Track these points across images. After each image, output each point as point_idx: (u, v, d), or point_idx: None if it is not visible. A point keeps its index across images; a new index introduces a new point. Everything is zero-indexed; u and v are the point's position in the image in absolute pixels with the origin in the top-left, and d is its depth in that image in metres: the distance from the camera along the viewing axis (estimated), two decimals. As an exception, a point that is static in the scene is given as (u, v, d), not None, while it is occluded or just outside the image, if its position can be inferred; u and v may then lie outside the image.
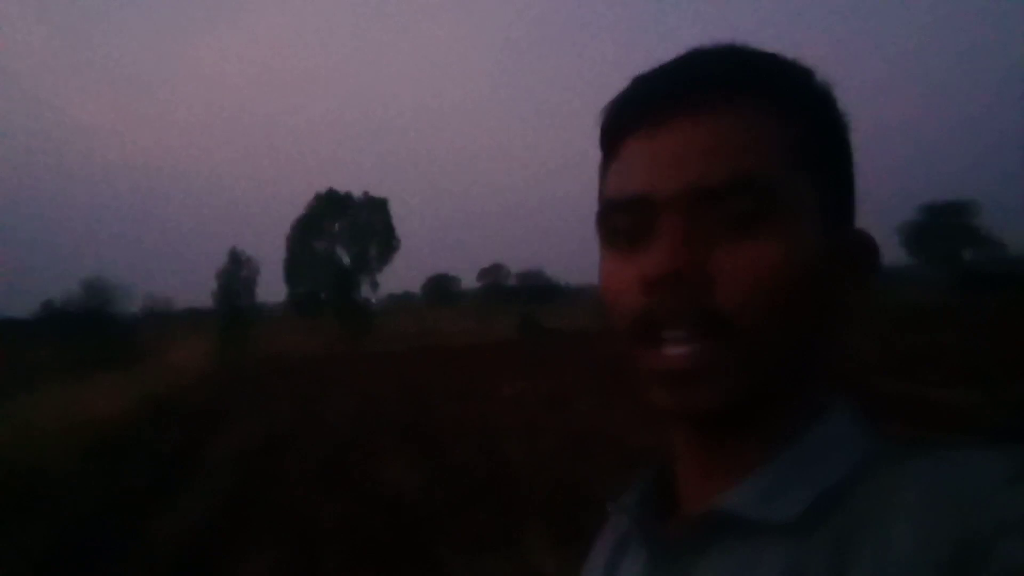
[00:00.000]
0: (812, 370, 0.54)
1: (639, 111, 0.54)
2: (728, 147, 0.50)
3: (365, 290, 47.85)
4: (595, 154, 0.61)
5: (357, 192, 48.23)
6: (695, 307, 0.49)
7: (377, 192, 49.30)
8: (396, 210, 46.10)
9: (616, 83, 0.58)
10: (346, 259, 47.67)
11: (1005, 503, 0.40)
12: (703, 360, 0.49)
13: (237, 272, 47.09)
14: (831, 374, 0.55)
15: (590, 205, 0.60)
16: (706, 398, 0.50)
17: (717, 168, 0.50)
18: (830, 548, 0.45)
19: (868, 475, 0.47)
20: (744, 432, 0.53)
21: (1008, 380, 8.73)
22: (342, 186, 48.86)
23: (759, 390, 0.50)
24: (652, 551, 0.56)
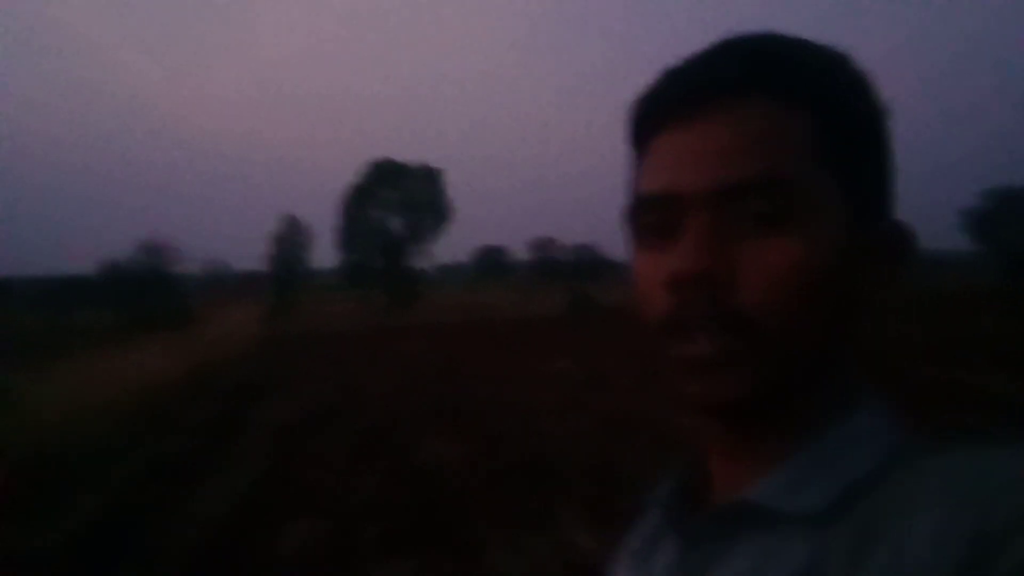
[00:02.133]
0: (838, 364, 0.54)
1: (665, 109, 0.55)
2: (752, 145, 0.51)
3: (417, 260, 48.21)
4: None
5: (413, 162, 48.40)
6: (720, 306, 0.50)
7: (433, 162, 49.15)
8: (451, 181, 46.13)
9: (678, 49, 0.58)
10: (399, 228, 47.97)
11: (1022, 499, 0.41)
12: (728, 354, 0.51)
13: (292, 237, 47.84)
14: (860, 366, 0.56)
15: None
16: (731, 388, 0.51)
17: (741, 166, 0.51)
18: (852, 540, 0.46)
19: (892, 469, 0.48)
20: (769, 425, 0.54)
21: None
22: (399, 155, 48.92)
23: (782, 383, 0.52)
24: (682, 540, 0.57)
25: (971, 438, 0.48)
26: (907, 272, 0.55)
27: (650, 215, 0.55)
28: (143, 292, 31.59)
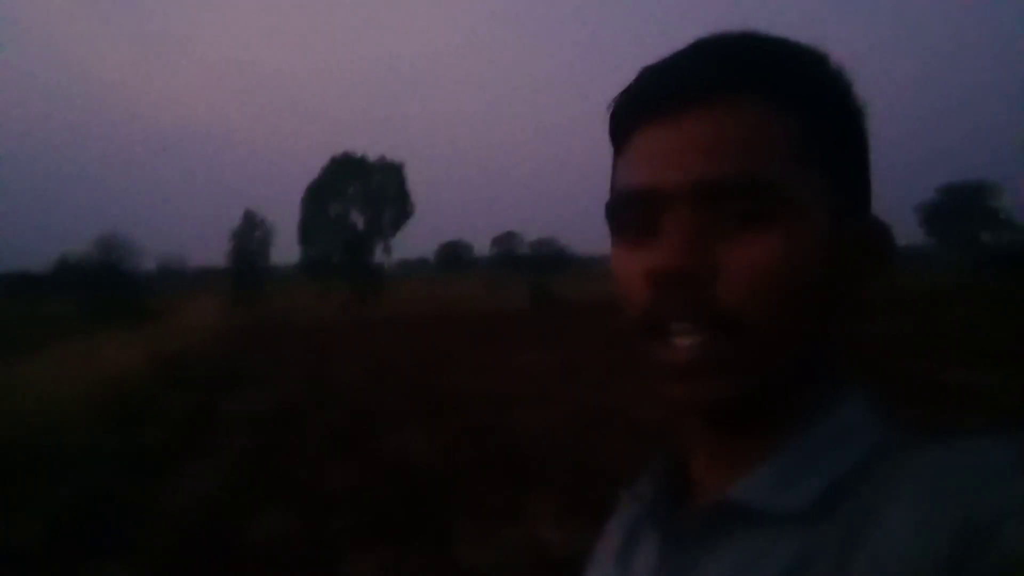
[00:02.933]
0: (823, 360, 0.54)
1: (646, 106, 0.54)
2: (734, 143, 0.50)
3: (378, 255, 47.94)
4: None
5: (373, 156, 48.10)
6: (700, 303, 0.50)
7: (394, 156, 48.89)
8: (412, 175, 45.84)
9: (640, 49, 0.57)
10: (360, 223, 47.65)
11: (1008, 489, 0.41)
12: (710, 355, 0.50)
13: (251, 233, 47.28)
14: (844, 363, 0.56)
15: (605, 173, 0.60)
16: (714, 392, 0.50)
17: (725, 165, 0.50)
18: (837, 537, 0.46)
19: (876, 464, 0.48)
20: (754, 423, 0.53)
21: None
22: (360, 150, 48.56)
23: (767, 383, 0.51)
24: (665, 539, 0.57)
25: (954, 432, 0.48)
26: (888, 268, 0.55)
27: (630, 211, 0.55)
28: (98, 287, 30.97)
